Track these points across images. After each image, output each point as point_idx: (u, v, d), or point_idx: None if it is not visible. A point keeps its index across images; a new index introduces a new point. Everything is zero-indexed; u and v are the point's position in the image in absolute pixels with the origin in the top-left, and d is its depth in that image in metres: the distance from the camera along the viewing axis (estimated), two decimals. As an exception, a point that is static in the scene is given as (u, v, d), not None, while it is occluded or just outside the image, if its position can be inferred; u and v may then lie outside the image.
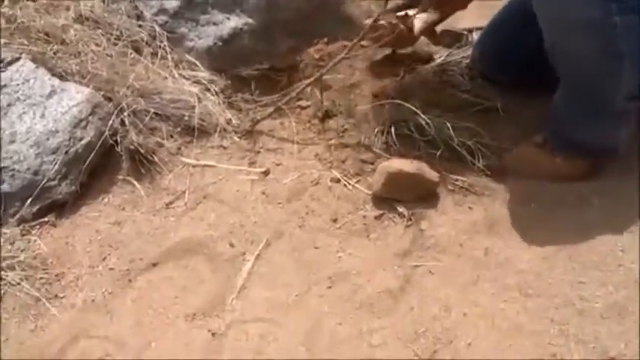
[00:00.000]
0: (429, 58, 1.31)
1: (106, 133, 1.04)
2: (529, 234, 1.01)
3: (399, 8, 1.21)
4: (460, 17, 1.56)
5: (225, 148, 1.16)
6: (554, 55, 1.03)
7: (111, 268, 0.94)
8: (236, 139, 1.18)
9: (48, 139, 1.01)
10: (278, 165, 1.14)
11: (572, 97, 1.06)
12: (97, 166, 1.06)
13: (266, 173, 1.12)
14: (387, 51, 1.31)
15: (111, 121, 1.06)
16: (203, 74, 1.26)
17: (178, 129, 1.15)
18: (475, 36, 1.47)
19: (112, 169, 1.08)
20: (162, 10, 1.31)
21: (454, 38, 1.42)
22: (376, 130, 1.15)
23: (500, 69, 1.24)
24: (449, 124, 1.09)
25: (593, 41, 0.95)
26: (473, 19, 1.56)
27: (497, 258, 0.98)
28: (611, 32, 0.93)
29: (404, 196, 1.06)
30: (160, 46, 1.25)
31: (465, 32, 1.48)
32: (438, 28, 1.49)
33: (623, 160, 1.11)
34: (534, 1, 0.98)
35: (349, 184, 1.09)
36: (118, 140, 1.06)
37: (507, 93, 1.25)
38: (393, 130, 1.13)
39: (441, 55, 1.33)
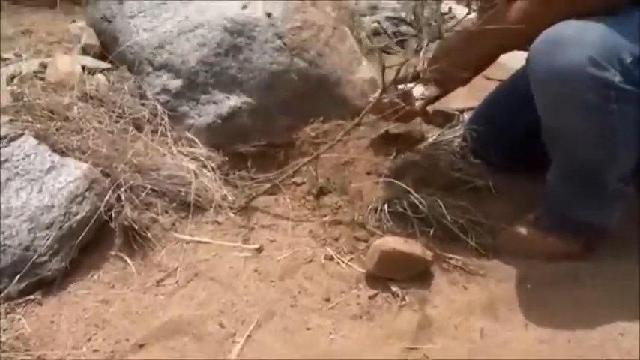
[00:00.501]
0: (421, 138, 1.35)
1: (102, 208, 1.05)
2: (525, 315, 0.99)
3: (399, 82, 1.25)
4: (451, 98, 1.62)
5: (219, 224, 1.17)
6: (550, 136, 1.05)
7: (95, 350, 0.91)
8: (231, 215, 1.19)
9: (43, 214, 1.02)
10: (272, 242, 1.14)
11: (567, 178, 1.07)
12: (90, 241, 1.06)
13: (259, 250, 1.12)
14: (381, 130, 1.35)
15: (107, 197, 1.07)
16: (201, 151, 1.29)
17: (174, 205, 1.16)
18: (466, 116, 1.52)
19: (105, 245, 1.07)
20: (164, 90, 1.36)
21: (446, 118, 1.47)
22: (370, 208, 1.16)
23: (492, 149, 1.27)
24: (441, 203, 1.10)
25: (590, 125, 0.96)
26: (463, 99, 1.63)
27: (494, 340, 0.95)
28: (609, 118, 0.95)
29: (398, 275, 1.05)
30: (160, 124, 1.29)
31: (457, 112, 1.54)
32: (430, 109, 1.55)
33: (613, 239, 1.11)
34: (533, 82, 1.00)
35: (343, 262, 1.09)
36: (113, 216, 1.06)
37: (499, 172, 1.27)
38: (386, 207, 1.14)
39: (433, 134, 1.37)
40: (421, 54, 1.01)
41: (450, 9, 2.28)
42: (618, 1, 0.98)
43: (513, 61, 1.86)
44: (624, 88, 0.93)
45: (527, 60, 1.01)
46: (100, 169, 1.11)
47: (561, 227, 1.11)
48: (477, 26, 1.04)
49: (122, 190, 1.09)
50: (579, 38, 0.93)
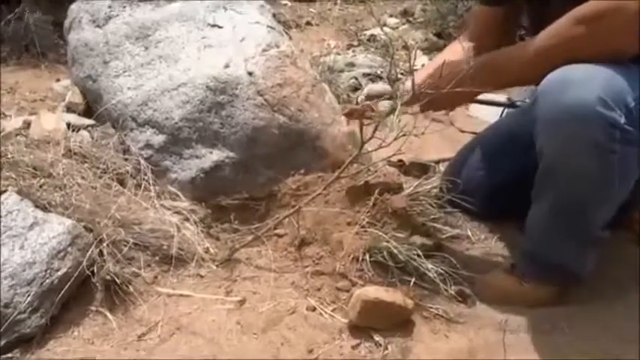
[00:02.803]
0: (398, 188, 1.39)
1: (84, 263, 1.05)
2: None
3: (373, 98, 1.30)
4: (425, 150, 1.70)
5: (202, 277, 1.17)
6: (545, 176, 1.07)
7: (73, 410, 0.89)
8: (213, 267, 1.20)
9: (24, 270, 1.01)
10: (254, 293, 1.15)
11: (551, 220, 1.10)
12: (71, 297, 1.05)
13: (242, 302, 1.12)
14: (361, 182, 1.39)
15: (89, 252, 1.07)
16: (184, 204, 1.31)
17: (156, 258, 1.16)
18: (442, 167, 1.58)
19: (86, 300, 1.06)
20: (148, 145, 1.40)
21: (422, 170, 1.53)
22: (351, 258, 1.18)
23: (470, 196, 1.31)
24: (419, 252, 1.13)
25: (592, 163, 1.00)
26: (438, 151, 1.70)
27: (477, 389, 0.96)
28: (611, 157, 0.99)
29: (380, 324, 1.06)
30: (143, 178, 1.31)
31: (432, 164, 1.60)
32: (407, 160, 1.61)
33: (585, 284, 1.14)
34: (541, 119, 1.03)
35: (325, 312, 1.10)
36: (95, 270, 1.06)
37: (476, 221, 1.32)
38: (367, 257, 1.16)
39: (410, 185, 1.41)
40: (395, 114, 1.06)
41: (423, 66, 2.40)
42: (624, 56, 1.03)
43: (484, 114, 1.96)
44: (628, 130, 0.98)
45: (536, 96, 1.05)
46: (82, 224, 1.12)
47: (538, 273, 1.14)
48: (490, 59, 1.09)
49: (105, 244, 1.09)
50: (589, 79, 0.98)
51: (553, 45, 1.07)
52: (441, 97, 1.07)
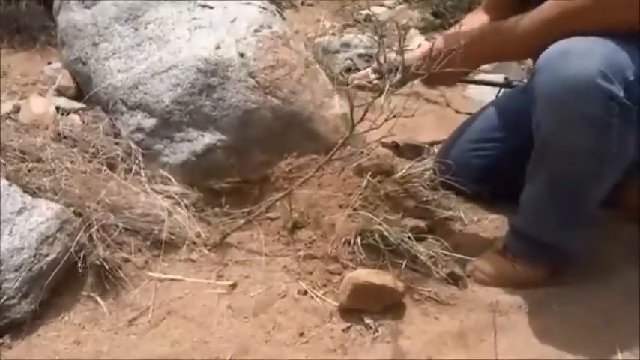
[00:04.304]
0: (391, 170, 1.38)
1: (73, 248, 1.05)
2: (495, 344, 1.00)
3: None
4: (420, 131, 1.68)
5: (193, 261, 1.17)
6: (542, 151, 1.06)
7: (66, 393, 0.89)
8: (205, 251, 1.19)
9: (12, 256, 1.01)
10: (246, 277, 1.15)
11: (546, 198, 1.09)
12: (61, 282, 1.05)
13: (233, 286, 1.12)
14: (354, 164, 1.38)
15: (78, 237, 1.07)
16: (175, 189, 1.30)
17: (147, 243, 1.16)
18: (436, 149, 1.57)
19: (76, 285, 1.06)
20: (139, 129, 1.38)
21: (415, 152, 1.51)
22: (343, 241, 1.18)
23: (461, 177, 1.29)
24: (411, 235, 1.12)
25: (589, 136, 0.99)
26: (432, 133, 1.68)
27: (467, 371, 0.96)
28: (608, 131, 0.98)
29: (370, 307, 1.06)
30: (134, 162, 1.30)
31: (426, 146, 1.59)
32: (401, 142, 1.60)
33: (578, 265, 1.14)
34: (539, 91, 1.01)
35: (316, 295, 1.10)
36: (84, 256, 1.06)
37: (469, 203, 1.31)
38: (359, 240, 1.16)
39: (403, 167, 1.40)
40: (383, 96, 1.04)
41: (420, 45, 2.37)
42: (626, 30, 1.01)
43: (480, 95, 1.94)
44: (626, 104, 0.97)
45: (534, 70, 1.04)
46: (72, 209, 1.11)
47: (530, 254, 1.14)
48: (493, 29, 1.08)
49: (94, 229, 1.09)
50: (590, 51, 0.97)
51: (556, 16, 1.06)
52: (440, 71, 1.05)
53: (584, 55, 0.97)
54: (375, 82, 1.27)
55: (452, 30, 1.26)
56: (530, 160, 1.09)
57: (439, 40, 1.22)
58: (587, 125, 0.98)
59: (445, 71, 1.03)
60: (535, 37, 1.07)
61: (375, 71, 1.35)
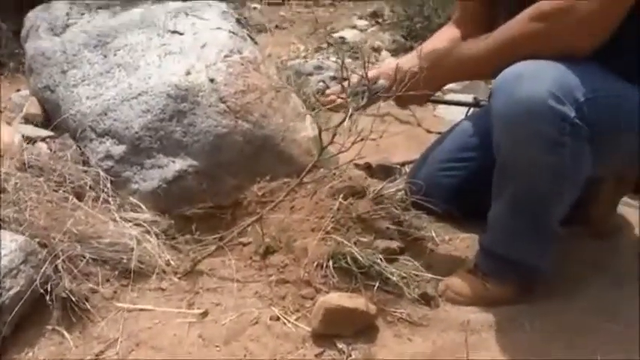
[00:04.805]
0: (363, 192, 1.39)
1: (37, 281, 1.02)
2: (468, 364, 1.01)
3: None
4: (393, 151, 1.70)
5: (163, 290, 1.15)
6: (502, 172, 1.09)
7: None
8: (175, 280, 1.17)
9: (-26, 290, 0.98)
10: (217, 305, 1.13)
11: (510, 216, 1.11)
12: (25, 316, 1.02)
13: (204, 315, 1.10)
14: (325, 187, 1.39)
15: (43, 269, 1.04)
16: (145, 216, 1.28)
17: (115, 273, 1.14)
18: (407, 169, 1.58)
19: (41, 319, 1.03)
20: (108, 156, 1.37)
21: (387, 172, 1.53)
22: (315, 265, 1.17)
23: (434, 196, 1.30)
24: (382, 256, 1.13)
25: (543, 157, 1.02)
26: (404, 153, 1.70)
27: (440, 393, 0.96)
28: (561, 151, 1.01)
29: (343, 331, 1.05)
30: (103, 190, 1.28)
31: (398, 166, 1.60)
32: (374, 163, 1.61)
33: (546, 282, 1.16)
34: (495, 114, 1.05)
35: (289, 321, 1.08)
36: (50, 288, 1.04)
37: (441, 222, 1.32)
38: (331, 264, 1.16)
39: (375, 188, 1.41)
40: (347, 118, 1.06)
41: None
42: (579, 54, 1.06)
43: (450, 114, 1.98)
44: (578, 124, 1.00)
45: (490, 94, 1.07)
46: (37, 240, 1.09)
47: (498, 271, 1.15)
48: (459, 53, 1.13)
49: (60, 260, 1.06)
50: (540, 73, 1.01)
51: (510, 40, 1.10)
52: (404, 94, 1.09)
53: (535, 78, 1.00)
54: (343, 100, 1.29)
55: (413, 52, 1.30)
56: (493, 180, 1.11)
57: (402, 61, 1.25)
58: (541, 145, 1.01)
59: (409, 94, 1.05)
60: (496, 57, 1.11)
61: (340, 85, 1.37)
